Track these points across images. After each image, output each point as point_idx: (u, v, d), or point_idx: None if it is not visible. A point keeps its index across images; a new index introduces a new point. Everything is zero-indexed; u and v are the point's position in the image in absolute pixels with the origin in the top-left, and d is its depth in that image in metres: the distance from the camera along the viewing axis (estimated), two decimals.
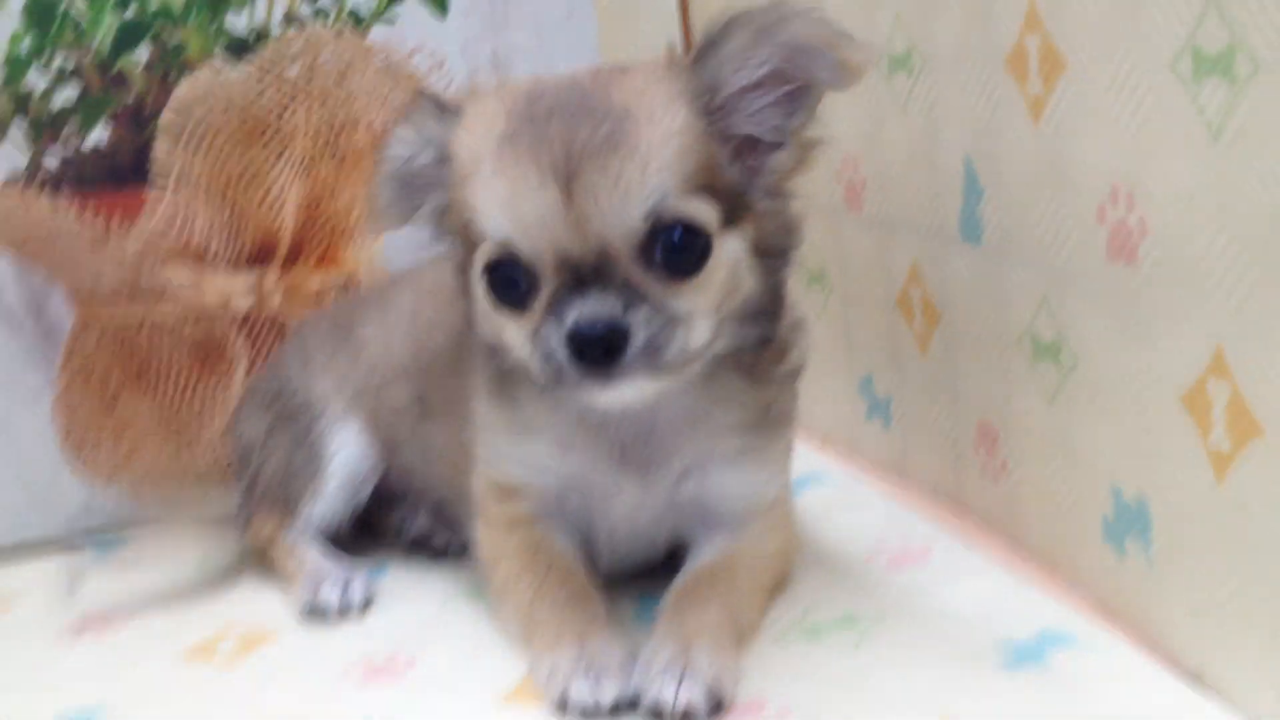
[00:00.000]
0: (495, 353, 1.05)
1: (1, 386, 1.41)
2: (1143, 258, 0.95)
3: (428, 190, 1.03)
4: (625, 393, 0.95)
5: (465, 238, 1.00)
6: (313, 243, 1.48)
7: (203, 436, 1.47)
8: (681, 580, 1.07)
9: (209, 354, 1.47)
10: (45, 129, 1.38)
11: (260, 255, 1.46)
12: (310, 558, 1.24)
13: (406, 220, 1.06)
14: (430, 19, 1.50)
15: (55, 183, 1.39)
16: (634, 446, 1.06)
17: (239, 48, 1.43)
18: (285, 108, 1.44)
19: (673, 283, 0.94)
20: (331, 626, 1.17)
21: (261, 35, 1.44)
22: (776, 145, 1.00)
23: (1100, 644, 0.99)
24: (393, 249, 1.51)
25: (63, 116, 1.38)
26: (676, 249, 0.94)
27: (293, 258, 1.48)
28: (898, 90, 1.26)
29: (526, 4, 1.53)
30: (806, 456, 1.35)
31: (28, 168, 1.38)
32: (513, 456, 1.09)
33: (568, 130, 0.93)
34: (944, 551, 1.19)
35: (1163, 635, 0.98)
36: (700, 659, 0.96)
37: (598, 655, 0.98)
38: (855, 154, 1.35)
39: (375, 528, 1.34)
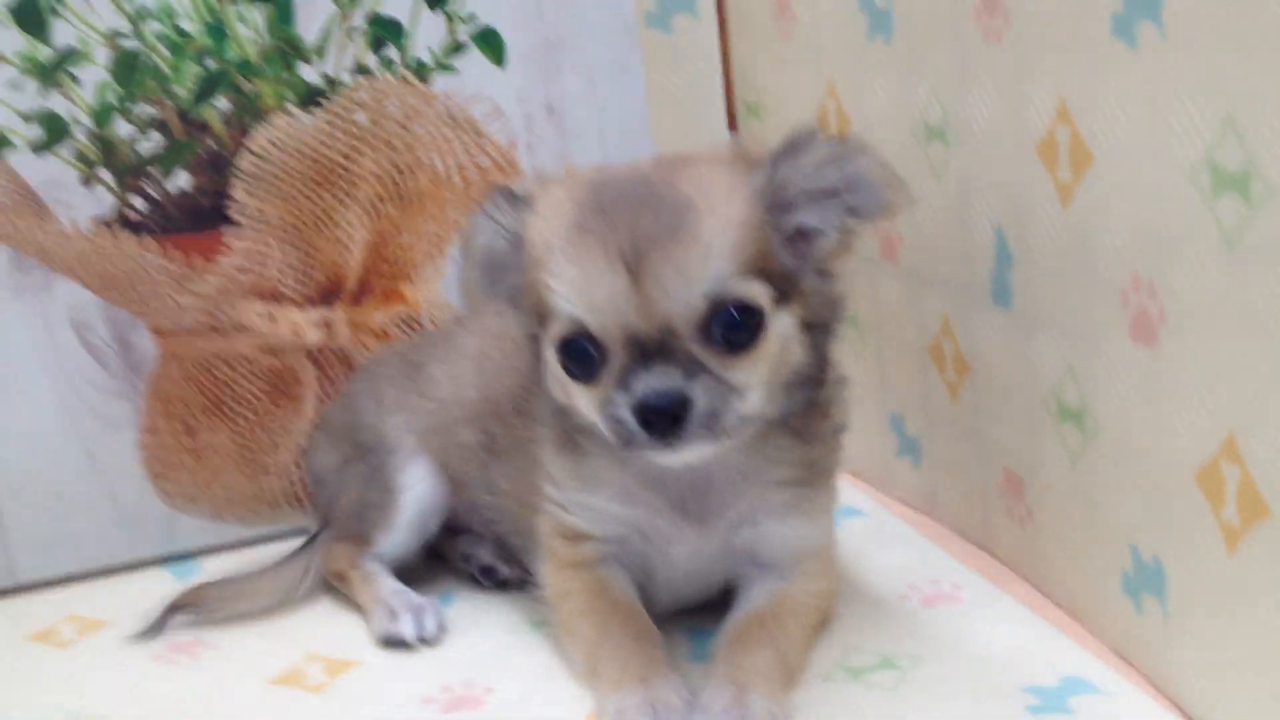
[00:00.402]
0: (563, 412, 1.15)
1: (91, 416, 1.50)
2: (1162, 343, 1.04)
3: (508, 272, 1.13)
4: (687, 455, 1.06)
5: (539, 314, 1.10)
6: (378, 280, 1.58)
7: (276, 462, 1.58)
8: (733, 623, 1.17)
9: (282, 385, 1.57)
10: (131, 174, 1.47)
11: (329, 292, 1.56)
12: (385, 589, 1.33)
13: (498, 298, 1.16)
14: (489, 68, 1.58)
15: (140, 225, 1.48)
16: (692, 499, 1.16)
17: (311, 96, 1.51)
18: (353, 153, 1.53)
19: (729, 357, 1.05)
20: (410, 654, 1.27)
21: (332, 84, 1.52)
22: (822, 233, 1.10)
23: (1119, 692, 1.09)
24: (453, 286, 1.61)
25: (147, 162, 1.47)
26: (733, 327, 1.04)
27: (359, 294, 1.58)
28: (934, 158, 1.34)
29: (578, 54, 1.61)
30: (844, 489, 1.44)
31: (115, 210, 1.47)
32: (579, 506, 1.19)
33: (634, 219, 1.03)
34: (974, 593, 1.28)
35: (1175, 687, 1.07)
36: (755, 704, 1.05)
37: (661, 698, 1.07)
38: None
39: (441, 555, 1.44)
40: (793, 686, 1.13)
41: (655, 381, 1.02)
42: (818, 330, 1.13)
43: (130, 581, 1.50)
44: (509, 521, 1.34)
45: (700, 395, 1.02)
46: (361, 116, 1.53)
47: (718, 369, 1.04)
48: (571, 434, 1.17)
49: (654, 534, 1.18)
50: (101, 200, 1.46)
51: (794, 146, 1.10)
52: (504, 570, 1.38)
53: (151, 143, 1.47)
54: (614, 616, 1.17)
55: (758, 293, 1.05)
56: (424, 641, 1.28)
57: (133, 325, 1.50)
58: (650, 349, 1.03)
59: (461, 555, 1.42)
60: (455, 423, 1.36)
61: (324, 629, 1.34)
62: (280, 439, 1.58)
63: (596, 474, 1.17)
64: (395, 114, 1.55)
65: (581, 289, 1.04)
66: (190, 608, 1.35)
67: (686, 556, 1.19)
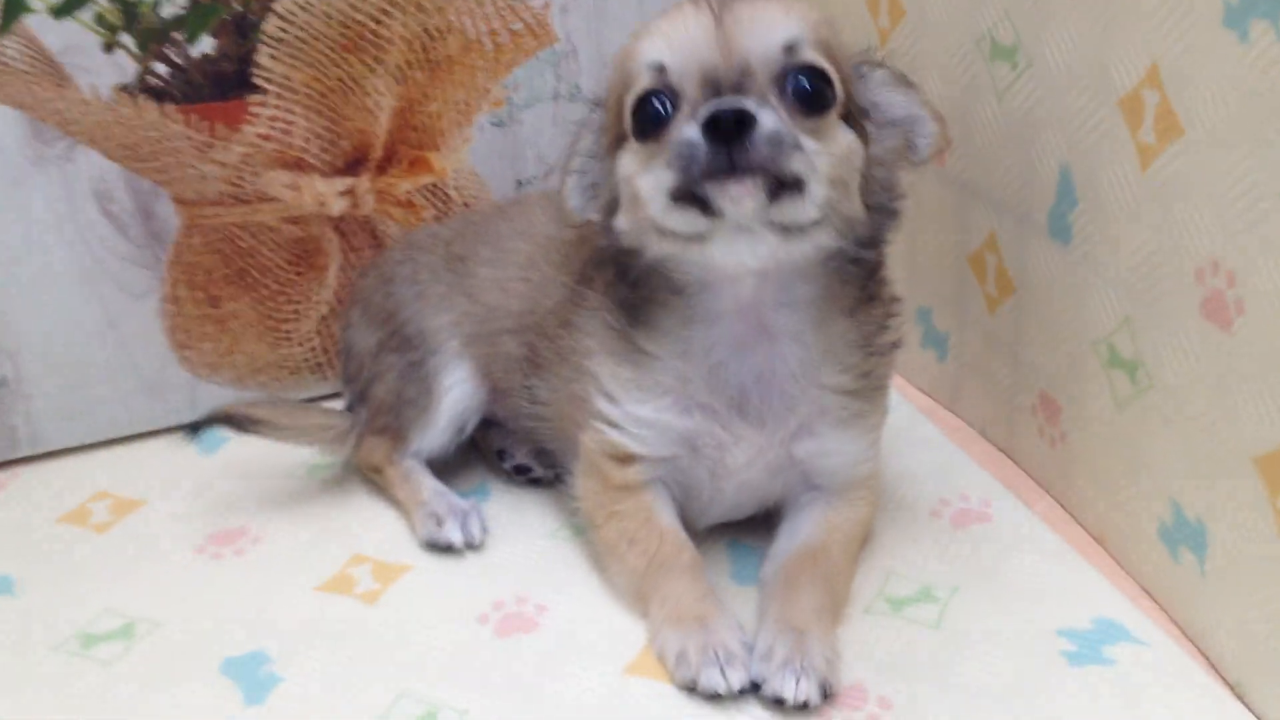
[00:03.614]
0: (625, 267, 1.15)
1: (112, 285, 1.47)
2: (1237, 331, 1.05)
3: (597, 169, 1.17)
4: (746, 205, 1.02)
5: (617, 127, 1.11)
6: (404, 148, 1.54)
7: (299, 330, 1.56)
8: (783, 557, 1.20)
9: (305, 254, 1.54)
10: (154, 39, 1.40)
11: (355, 160, 1.52)
12: (426, 489, 1.35)
13: (591, 210, 1.18)
14: None
15: (163, 92, 1.42)
16: (753, 396, 1.16)
17: None
18: (383, 16, 1.47)
19: (800, 118, 1.05)
20: (456, 559, 1.29)
21: None
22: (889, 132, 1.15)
23: (1155, 642, 1.14)
24: (478, 154, 1.57)
25: (171, 26, 1.40)
26: (805, 90, 1.06)
27: (385, 163, 1.54)
28: (998, 78, 1.31)
29: None
30: None
31: (137, 77, 1.40)
32: (634, 421, 1.19)
33: None
34: (1002, 510, 1.33)
35: (1206, 642, 1.13)
36: (814, 652, 1.08)
37: (722, 642, 1.10)
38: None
39: (475, 445, 1.45)
40: (840, 620, 1.17)
41: (726, 101, 1.02)
42: (875, 203, 1.13)
43: (155, 452, 1.50)
44: (548, 430, 1.34)
45: (767, 119, 1.02)
46: None
47: (787, 119, 1.04)
48: (630, 324, 1.17)
49: (711, 444, 1.19)
50: (123, 67, 1.40)
51: (873, 60, 1.15)
52: (538, 470, 1.40)
53: (174, 6, 1.40)
54: (663, 548, 1.19)
55: (831, 71, 1.07)
56: (470, 547, 1.30)
57: (155, 194, 1.45)
58: (725, 90, 1.04)
59: (496, 450, 1.43)
60: (500, 333, 1.35)
61: (368, 530, 1.35)
62: (303, 308, 1.56)
63: (656, 380, 1.17)
64: None
65: (666, 34, 1.08)
66: (235, 423, 1.37)
67: (743, 465, 1.20)
